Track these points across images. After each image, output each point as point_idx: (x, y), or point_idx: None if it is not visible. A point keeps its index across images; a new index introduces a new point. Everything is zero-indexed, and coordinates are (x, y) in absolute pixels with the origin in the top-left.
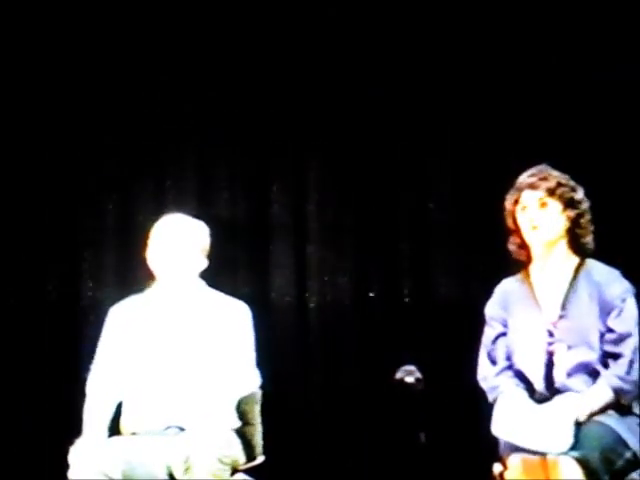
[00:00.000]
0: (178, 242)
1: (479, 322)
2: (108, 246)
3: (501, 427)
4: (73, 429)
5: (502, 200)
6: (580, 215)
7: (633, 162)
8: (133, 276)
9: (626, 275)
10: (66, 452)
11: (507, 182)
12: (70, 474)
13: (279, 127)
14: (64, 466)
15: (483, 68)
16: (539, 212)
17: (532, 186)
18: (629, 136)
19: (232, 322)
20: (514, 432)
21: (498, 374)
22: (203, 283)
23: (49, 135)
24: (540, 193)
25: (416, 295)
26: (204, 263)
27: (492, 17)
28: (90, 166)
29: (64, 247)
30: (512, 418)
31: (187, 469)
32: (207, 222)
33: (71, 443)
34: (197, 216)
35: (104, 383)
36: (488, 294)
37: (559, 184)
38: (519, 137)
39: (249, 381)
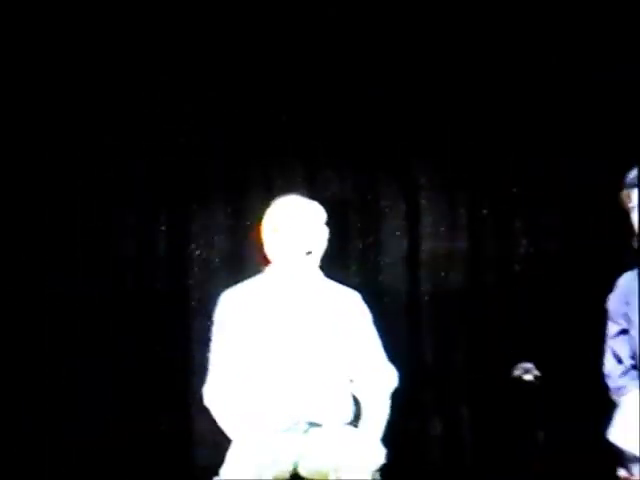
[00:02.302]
0: (301, 224)
1: (600, 316)
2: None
3: (619, 434)
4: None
5: None
6: None
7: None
8: (243, 263)
9: None
10: None
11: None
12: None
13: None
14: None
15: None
16: None
17: None
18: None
19: (359, 314)
20: (633, 441)
21: (624, 374)
22: (321, 273)
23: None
24: None
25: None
26: (323, 247)
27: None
28: None
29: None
30: (633, 426)
31: (338, 470)
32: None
33: None
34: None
35: (230, 382)
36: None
37: None
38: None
39: (391, 377)
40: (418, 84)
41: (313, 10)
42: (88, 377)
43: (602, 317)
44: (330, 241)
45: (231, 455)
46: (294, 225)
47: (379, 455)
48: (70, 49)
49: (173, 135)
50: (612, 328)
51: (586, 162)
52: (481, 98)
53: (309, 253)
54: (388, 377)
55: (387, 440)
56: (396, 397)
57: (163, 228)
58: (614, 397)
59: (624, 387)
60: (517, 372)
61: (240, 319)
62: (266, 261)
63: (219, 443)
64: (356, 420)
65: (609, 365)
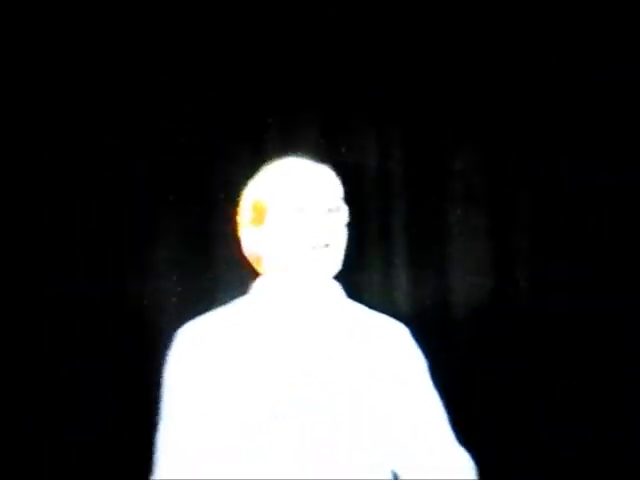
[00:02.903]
0: (333, 199)
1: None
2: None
3: None
4: None
5: None
6: None
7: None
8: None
9: None
10: None
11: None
12: None
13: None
14: None
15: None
16: None
17: None
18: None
19: (410, 362)
20: None
21: None
22: (340, 289)
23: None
24: None
25: None
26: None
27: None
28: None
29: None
30: None
31: None
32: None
33: None
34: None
35: (200, 470)
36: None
37: None
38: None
39: (463, 467)
40: (417, 85)
41: (314, 10)
42: (88, 377)
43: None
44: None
45: None
46: (327, 201)
47: None
48: (70, 49)
49: (173, 135)
50: None
51: (586, 162)
52: (481, 99)
53: (327, 246)
54: (457, 467)
55: None
56: None
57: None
58: None
59: None
60: None
61: (217, 368)
62: (251, 269)
63: None
64: None
65: None
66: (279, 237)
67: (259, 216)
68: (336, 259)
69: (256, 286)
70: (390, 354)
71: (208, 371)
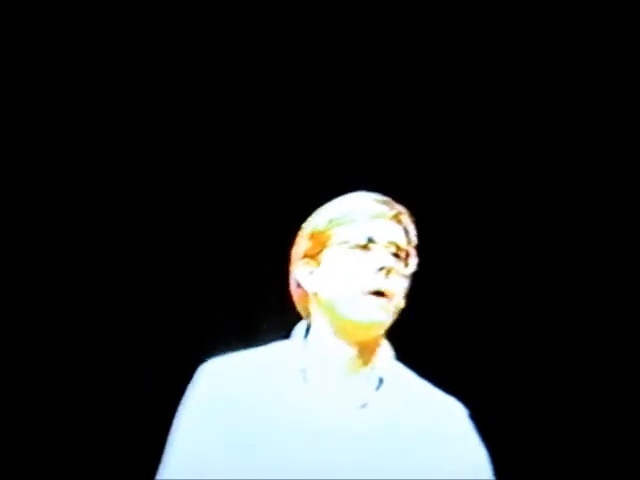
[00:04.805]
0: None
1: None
2: None
3: None
4: None
5: None
6: None
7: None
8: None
9: None
10: None
11: None
12: None
13: None
14: None
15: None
16: None
17: None
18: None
19: (470, 454)
20: None
21: None
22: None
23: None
24: None
25: None
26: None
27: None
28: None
29: None
30: None
31: None
32: None
33: None
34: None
35: None
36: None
37: None
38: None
39: None
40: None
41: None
42: (88, 377)
43: None
44: None
45: None
46: (397, 241)
47: None
48: (69, 49)
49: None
50: None
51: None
52: (480, 101)
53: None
54: None
55: None
56: None
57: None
58: None
59: None
60: None
61: (231, 418)
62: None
63: None
64: None
65: None
66: (333, 274)
67: (315, 247)
68: (392, 311)
69: (297, 330)
70: (447, 445)
71: (220, 420)
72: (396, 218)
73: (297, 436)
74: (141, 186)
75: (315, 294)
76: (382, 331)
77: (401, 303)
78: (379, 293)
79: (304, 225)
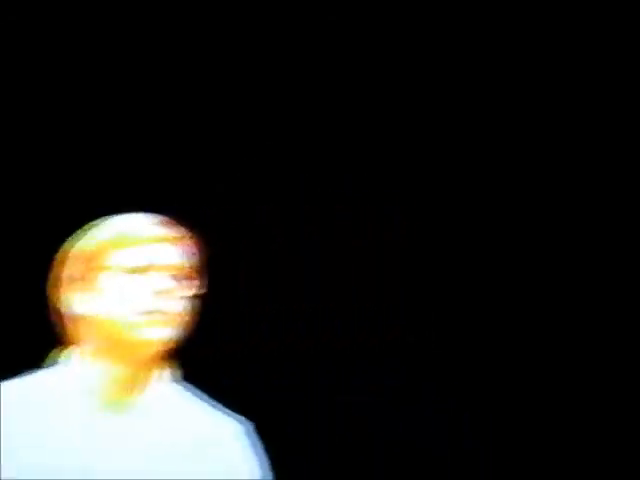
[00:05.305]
0: (185, 262)
1: None
2: None
3: None
4: None
5: None
6: None
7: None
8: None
9: None
10: None
11: None
12: None
13: None
14: None
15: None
16: None
17: None
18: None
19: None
20: None
21: None
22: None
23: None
24: None
25: None
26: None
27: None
28: None
29: None
30: None
31: None
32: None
33: None
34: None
35: None
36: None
37: None
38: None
39: None
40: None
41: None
42: None
43: None
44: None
45: None
46: (176, 264)
47: None
48: (69, 49)
49: (170, 134)
50: None
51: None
52: (481, 103)
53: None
54: None
55: None
56: None
57: None
58: None
59: None
60: None
61: (15, 443)
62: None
63: None
64: None
65: None
66: (111, 298)
67: (89, 270)
68: (171, 329)
69: (66, 355)
70: (212, 466)
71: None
72: (175, 241)
73: (54, 468)
74: None
75: (89, 317)
76: (161, 349)
77: (184, 323)
78: (158, 313)
79: (68, 246)
